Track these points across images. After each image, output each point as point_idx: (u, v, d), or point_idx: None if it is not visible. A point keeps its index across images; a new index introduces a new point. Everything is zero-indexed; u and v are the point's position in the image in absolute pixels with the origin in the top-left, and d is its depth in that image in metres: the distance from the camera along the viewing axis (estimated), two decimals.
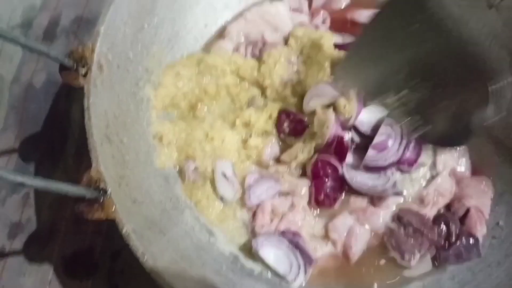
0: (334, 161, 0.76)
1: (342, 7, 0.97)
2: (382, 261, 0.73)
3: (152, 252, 0.55)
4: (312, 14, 0.95)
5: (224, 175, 0.76)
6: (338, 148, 0.77)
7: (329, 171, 0.75)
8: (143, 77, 0.77)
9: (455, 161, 0.81)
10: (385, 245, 0.73)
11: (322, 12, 0.94)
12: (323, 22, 0.93)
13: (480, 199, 0.78)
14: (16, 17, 1.03)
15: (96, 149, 0.57)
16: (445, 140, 0.65)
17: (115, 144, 0.63)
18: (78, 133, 0.91)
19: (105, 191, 0.55)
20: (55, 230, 0.83)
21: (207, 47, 0.91)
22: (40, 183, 0.46)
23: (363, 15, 0.95)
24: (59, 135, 0.91)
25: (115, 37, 0.69)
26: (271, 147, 0.80)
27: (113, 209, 0.54)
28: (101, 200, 0.54)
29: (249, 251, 0.71)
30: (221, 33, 0.92)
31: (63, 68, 0.63)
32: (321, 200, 0.74)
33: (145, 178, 0.68)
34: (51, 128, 0.92)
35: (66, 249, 0.81)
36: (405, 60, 0.60)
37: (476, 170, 0.81)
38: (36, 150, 0.90)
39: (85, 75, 0.62)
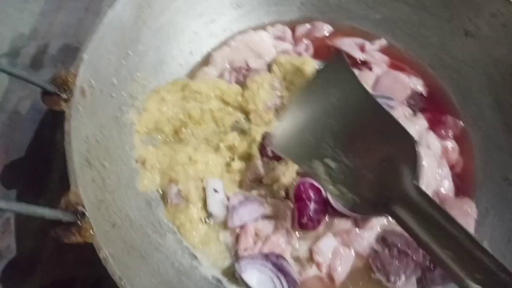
0: (316, 183, 0.76)
1: (325, 35, 1.00)
2: (368, 283, 0.72)
3: (129, 277, 0.54)
4: (295, 42, 0.98)
5: (216, 191, 0.76)
6: None
7: (312, 194, 0.75)
8: (127, 102, 0.78)
9: (438, 182, 0.81)
10: (370, 267, 0.72)
11: (304, 40, 0.97)
12: (306, 50, 0.96)
13: (464, 220, 0.78)
14: (3, 46, 1.04)
15: (75, 173, 0.57)
16: (370, 210, 0.62)
17: (95, 169, 0.63)
18: (63, 161, 0.90)
19: (83, 215, 0.54)
20: (35, 259, 0.81)
21: (192, 74, 0.93)
22: (15, 206, 0.46)
23: (346, 43, 0.99)
24: (43, 162, 0.91)
25: (98, 64, 0.70)
26: (254, 170, 0.80)
27: (90, 233, 0.54)
28: (79, 223, 0.54)
29: (233, 275, 0.70)
30: (206, 60, 0.95)
31: (46, 93, 0.64)
32: (304, 223, 0.74)
33: (126, 202, 0.68)
34: (35, 156, 0.92)
35: (46, 278, 0.79)
36: (327, 130, 0.62)
37: (459, 191, 0.82)
38: (19, 178, 0.89)
39: (66, 101, 0.63)
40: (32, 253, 0.81)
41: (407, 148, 0.57)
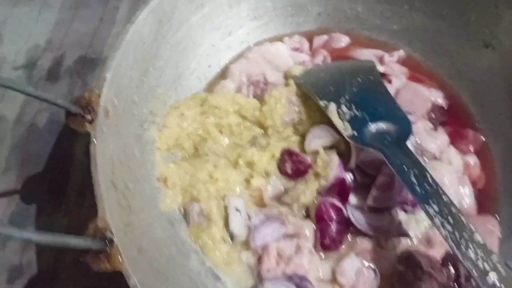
0: (337, 202, 0.76)
1: (343, 46, 0.99)
2: None
3: None
4: (313, 53, 0.97)
5: (237, 210, 0.76)
6: (341, 189, 0.77)
7: (333, 214, 0.74)
8: (148, 119, 0.77)
9: (459, 199, 0.80)
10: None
11: (322, 51, 0.96)
12: (324, 62, 0.95)
13: (487, 238, 0.77)
14: (20, 58, 1.04)
15: (102, 198, 0.56)
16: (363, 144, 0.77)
17: (120, 191, 0.62)
18: (81, 173, 0.91)
19: (111, 241, 0.54)
20: (57, 274, 0.81)
21: (210, 87, 0.92)
22: (46, 238, 0.45)
23: (364, 54, 0.98)
24: (61, 175, 0.91)
25: (121, 82, 0.70)
26: (273, 187, 0.80)
27: (119, 260, 0.53)
28: (108, 250, 0.53)
29: None
30: (223, 73, 0.94)
31: (69, 114, 0.63)
32: (327, 244, 0.73)
33: (151, 223, 0.67)
34: (53, 168, 0.92)
35: None
36: (346, 90, 0.83)
37: (481, 208, 0.81)
38: (38, 191, 0.90)
39: (91, 122, 0.62)
40: (53, 268, 0.81)
41: (404, 122, 0.78)
